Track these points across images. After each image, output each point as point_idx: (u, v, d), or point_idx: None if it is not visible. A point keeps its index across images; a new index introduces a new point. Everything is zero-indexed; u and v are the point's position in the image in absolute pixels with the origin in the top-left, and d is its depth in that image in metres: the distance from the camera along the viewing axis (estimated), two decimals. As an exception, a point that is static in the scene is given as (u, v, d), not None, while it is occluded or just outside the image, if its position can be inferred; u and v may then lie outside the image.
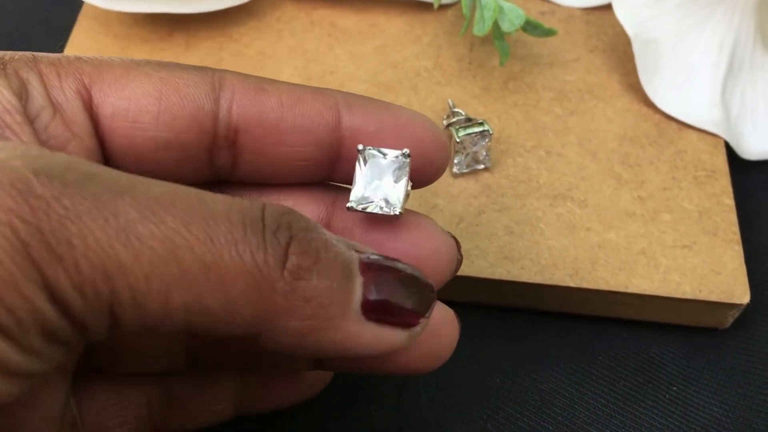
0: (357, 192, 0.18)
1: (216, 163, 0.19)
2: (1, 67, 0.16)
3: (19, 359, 0.13)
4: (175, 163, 0.19)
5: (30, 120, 0.16)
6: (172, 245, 0.13)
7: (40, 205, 0.12)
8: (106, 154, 0.18)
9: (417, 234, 0.19)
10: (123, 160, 0.18)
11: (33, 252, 0.12)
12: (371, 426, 0.25)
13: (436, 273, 0.19)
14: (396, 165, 0.19)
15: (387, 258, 0.17)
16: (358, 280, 0.16)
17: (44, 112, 0.17)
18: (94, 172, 0.13)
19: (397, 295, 0.16)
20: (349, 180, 0.19)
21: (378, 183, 0.18)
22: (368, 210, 0.18)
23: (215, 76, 0.19)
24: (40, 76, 0.17)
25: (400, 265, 0.17)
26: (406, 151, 0.19)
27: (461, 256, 0.21)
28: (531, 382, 0.26)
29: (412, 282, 0.17)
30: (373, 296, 0.16)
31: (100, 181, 0.13)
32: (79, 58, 0.18)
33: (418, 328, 0.17)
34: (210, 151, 0.19)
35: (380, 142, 0.19)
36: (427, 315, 0.17)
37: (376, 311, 0.16)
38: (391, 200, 0.18)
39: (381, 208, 0.18)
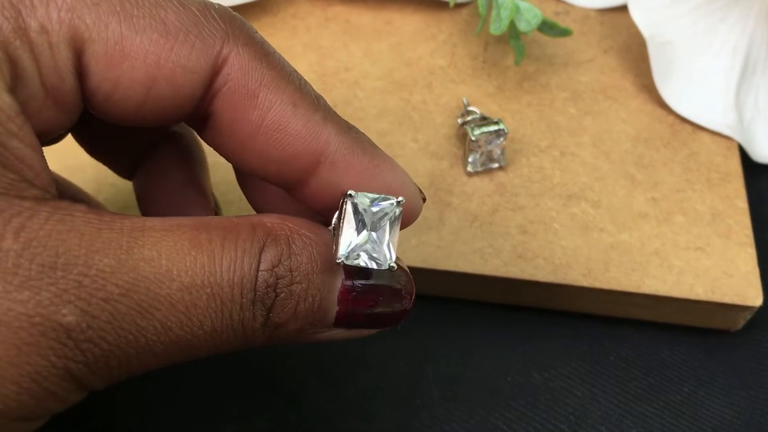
0: (345, 244, 0.17)
1: (188, 124, 0.18)
2: None
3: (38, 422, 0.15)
4: (148, 124, 0.17)
5: (23, 107, 0.15)
6: (185, 345, 0.16)
7: (88, 347, 0.14)
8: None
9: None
10: (91, 118, 0.17)
11: (79, 378, 0.15)
12: (383, 421, 0.25)
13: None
14: (387, 214, 0.17)
15: (370, 276, 0.18)
16: (334, 309, 0.17)
17: (35, 98, 0.16)
18: (125, 290, 0.15)
19: (369, 318, 0.18)
20: (312, 204, 0.18)
21: (366, 233, 0.17)
22: (358, 264, 0.17)
23: (221, 55, 0.16)
24: (32, 51, 0.15)
25: (386, 266, 0.17)
26: (401, 199, 0.17)
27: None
28: (542, 381, 0.26)
29: (389, 301, 0.18)
30: (346, 320, 0.18)
31: (129, 300, 0.15)
32: (72, 16, 0.15)
33: (388, 328, 0.19)
34: (184, 120, 0.18)
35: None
36: (398, 324, 0.18)
37: (348, 327, 0.18)
38: (383, 252, 0.17)
39: (372, 261, 0.17)
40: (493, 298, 0.27)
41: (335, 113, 0.18)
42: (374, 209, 0.17)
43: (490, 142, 0.27)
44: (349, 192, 0.17)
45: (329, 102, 0.30)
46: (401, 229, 0.18)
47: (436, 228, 0.27)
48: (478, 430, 0.25)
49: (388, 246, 0.17)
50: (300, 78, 0.18)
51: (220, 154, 0.18)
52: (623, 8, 0.33)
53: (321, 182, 0.17)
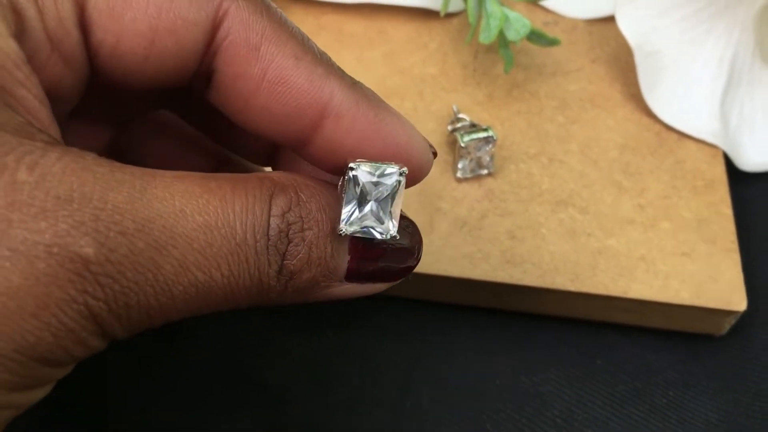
0: (347, 215, 0.17)
1: (192, 87, 0.18)
2: None
3: (59, 370, 0.15)
4: (147, 89, 0.18)
5: (30, 60, 0.15)
6: (203, 289, 0.16)
7: (107, 281, 0.14)
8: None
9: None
10: (102, 78, 0.17)
11: (100, 319, 0.14)
12: (372, 425, 0.25)
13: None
14: (390, 184, 0.17)
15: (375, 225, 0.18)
16: (345, 259, 0.17)
17: (41, 50, 0.16)
18: (141, 225, 0.15)
19: (380, 268, 0.18)
20: (320, 163, 0.18)
21: (368, 205, 0.17)
22: (359, 235, 0.17)
23: (221, 7, 0.17)
24: (36, 2, 0.16)
25: (388, 237, 0.17)
26: (404, 170, 0.17)
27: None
28: (530, 385, 0.26)
29: (397, 254, 0.18)
30: (357, 271, 0.18)
31: (145, 237, 0.15)
32: None
33: (398, 281, 0.19)
34: (187, 82, 0.18)
35: (361, 153, 0.18)
36: (407, 275, 0.19)
37: (360, 278, 0.18)
38: (386, 223, 0.17)
39: (374, 231, 0.17)
40: (481, 303, 0.28)
41: (339, 68, 0.18)
42: (375, 181, 0.17)
43: (479, 149, 0.28)
44: (350, 164, 0.17)
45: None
46: (411, 185, 0.19)
47: (426, 233, 0.27)
48: (466, 433, 0.25)
49: (390, 217, 0.17)
50: (302, 33, 0.17)
51: (226, 114, 0.18)
52: (611, 19, 0.34)
53: (327, 138, 0.17)
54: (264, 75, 0.17)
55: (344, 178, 0.17)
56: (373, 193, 0.17)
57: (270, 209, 0.16)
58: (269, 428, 0.25)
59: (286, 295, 0.17)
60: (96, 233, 0.14)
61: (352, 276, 0.18)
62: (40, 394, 0.15)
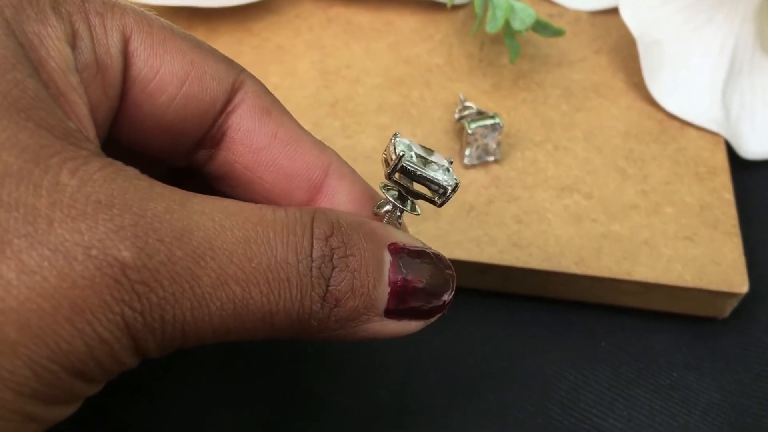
0: (442, 174, 0.19)
1: (192, 156, 0.19)
2: (56, 5, 0.16)
3: (89, 386, 0.15)
4: (160, 144, 0.19)
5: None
6: (240, 307, 0.15)
7: (143, 290, 0.14)
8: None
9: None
10: (120, 123, 0.18)
11: (134, 331, 0.14)
12: (379, 405, 0.26)
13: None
14: (421, 147, 0.19)
15: (415, 257, 0.18)
16: (386, 290, 0.18)
17: (87, 71, 0.16)
18: (180, 234, 0.15)
19: (418, 302, 0.18)
20: None
21: (432, 162, 0.19)
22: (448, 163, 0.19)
23: (239, 77, 0.19)
24: (89, 27, 0.17)
25: (425, 275, 0.18)
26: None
27: None
28: (536, 367, 0.27)
29: (434, 291, 0.18)
30: (397, 305, 0.18)
31: (184, 246, 0.15)
32: (123, 9, 0.17)
33: (434, 318, 0.19)
34: (195, 144, 0.19)
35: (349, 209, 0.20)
36: (443, 312, 0.19)
37: (398, 315, 0.18)
38: (446, 161, 0.19)
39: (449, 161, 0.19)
40: (488, 286, 0.28)
41: None
42: (417, 148, 0.19)
43: (485, 136, 0.28)
44: (396, 132, 0.19)
45: (331, 98, 0.32)
46: None
47: (434, 218, 0.28)
48: (473, 414, 0.26)
49: (445, 161, 0.19)
50: None
51: (230, 180, 0.19)
52: (613, 11, 0.34)
53: (330, 197, 0.19)
54: (276, 133, 0.19)
55: (393, 145, 0.18)
56: (425, 156, 0.19)
57: (312, 232, 0.16)
58: (279, 411, 0.25)
59: (328, 325, 0.17)
60: (135, 238, 0.14)
61: (390, 311, 0.18)
62: (66, 411, 0.15)
